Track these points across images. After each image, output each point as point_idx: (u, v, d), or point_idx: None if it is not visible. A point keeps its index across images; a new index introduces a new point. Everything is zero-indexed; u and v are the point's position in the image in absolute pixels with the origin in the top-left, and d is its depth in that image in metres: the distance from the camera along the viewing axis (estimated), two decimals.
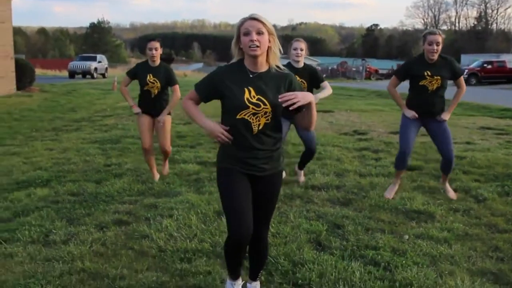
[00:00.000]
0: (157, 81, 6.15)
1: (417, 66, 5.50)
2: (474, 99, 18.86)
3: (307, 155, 6.40)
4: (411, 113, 5.59)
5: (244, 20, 2.91)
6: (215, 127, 2.97)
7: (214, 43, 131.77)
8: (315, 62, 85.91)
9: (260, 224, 3.14)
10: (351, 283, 3.63)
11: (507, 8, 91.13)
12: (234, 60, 3.04)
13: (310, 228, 4.74)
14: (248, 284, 3.46)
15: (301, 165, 6.56)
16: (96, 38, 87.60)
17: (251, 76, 2.96)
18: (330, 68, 65.43)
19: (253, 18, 2.89)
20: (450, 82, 5.58)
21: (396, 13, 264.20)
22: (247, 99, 2.92)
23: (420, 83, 5.47)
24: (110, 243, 4.43)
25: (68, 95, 20.92)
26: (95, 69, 38.92)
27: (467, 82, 39.56)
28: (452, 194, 5.86)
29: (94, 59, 40.27)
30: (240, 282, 3.40)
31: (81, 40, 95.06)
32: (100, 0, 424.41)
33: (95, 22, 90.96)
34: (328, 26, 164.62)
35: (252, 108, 2.92)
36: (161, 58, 6.25)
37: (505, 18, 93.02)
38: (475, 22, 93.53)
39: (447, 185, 5.98)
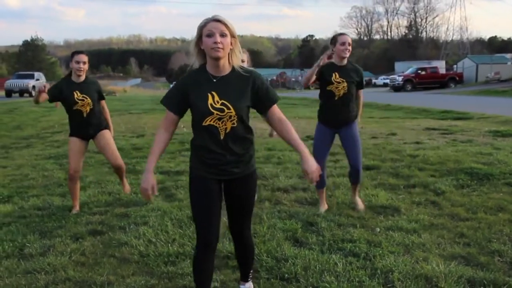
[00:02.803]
0: (87, 97, 5.51)
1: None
2: (414, 103, 19.68)
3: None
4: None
5: (207, 22, 2.84)
6: (144, 184, 2.96)
7: (151, 58, 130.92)
8: None
9: (239, 224, 3.19)
10: (335, 273, 3.79)
11: (435, 17, 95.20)
12: (196, 65, 2.99)
13: (285, 226, 4.88)
14: (241, 286, 3.49)
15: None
16: (30, 56, 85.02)
17: (214, 80, 2.91)
18: (269, 79, 66.27)
19: (216, 20, 2.83)
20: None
21: (330, 23, 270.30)
22: (211, 104, 2.87)
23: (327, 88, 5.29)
24: (89, 253, 4.41)
25: (11, 113, 20.35)
26: (33, 87, 37.85)
27: (403, 88, 41.27)
28: (361, 206, 5.53)
29: (31, 76, 39.24)
30: None
31: (14, 58, 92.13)
32: (32, 17, 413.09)
33: (28, 39, 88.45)
34: (265, 38, 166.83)
35: (217, 114, 2.88)
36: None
37: (433, 26, 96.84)
38: (406, 31, 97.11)
39: (357, 197, 5.66)
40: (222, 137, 2.93)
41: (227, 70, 2.94)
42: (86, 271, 4.00)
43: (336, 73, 5.22)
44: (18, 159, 9.29)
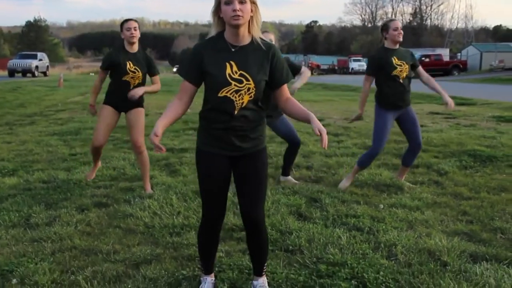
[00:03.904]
0: (139, 70, 5.29)
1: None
2: (418, 89, 19.57)
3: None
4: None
5: None
6: (154, 131, 2.72)
7: (154, 42, 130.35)
8: None
9: (252, 204, 2.91)
10: (339, 246, 3.82)
11: (440, 5, 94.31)
12: (212, 34, 2.82)
13: (289, 202, 4.92)
14: (254, 282, 3.17)
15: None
16: (33, 36, 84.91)
17: (232, 49, 2.75)
18: None
19: None
20: None
21: (334, 10, 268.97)
22: (229, 74, 2.72)
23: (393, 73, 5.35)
24: (95, 223, 4.45)
25: (14, 92, 20.36)
26: (36, 67, 37.89)
27: None
28: (407, 185, 5.59)
29: (35, 57, 39.21)
30: (212, 279, 3.21)
31: (16, 39, 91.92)
32: None
33: (31, 20, 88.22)
34: (268, 23, 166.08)
35: (235, 85, 2.72)
36: None
37: (438, 14, 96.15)
38: (411, 18, 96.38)
39: (403, 179, 5.74)
40: (236, 111, 2.77)
41: (246, 40, 2.77)
42: (92, 240, 4.05)
43: (395, 57, 5.34)
44: (22, 135, 9.32)
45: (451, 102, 5.39)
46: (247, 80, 2.74)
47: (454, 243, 3.86)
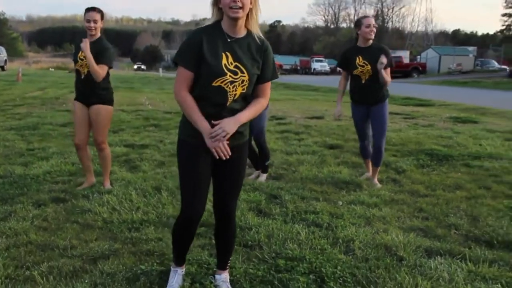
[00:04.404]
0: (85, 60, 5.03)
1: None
2: None
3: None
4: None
5: None
6: (209, 142, 2.67)
7: (117, 38, 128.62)
8: None
9: (227, 197, 2.95)
10: (298, 241, 3.86)
11: (401, 8, 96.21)
12: (209, 22, 2.77)
13: (249, 198, 4.93)
14: (217, 276, 3.18)
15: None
16: None
17: (229, 40, 2.71)
18: None
19: None
20: None
21: (298, 10, 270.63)
22: (225, 65, 2.68)
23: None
24: (52, 218, 4.38)
25: None
26: None
27: None
28: (378, 187, 5.60)
29: None
30: (182, 271, 3.18)
31: None
32: None
33: None
34: None
35: (230, 76, 2.69)
36: None
37: (399, 17, 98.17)
38: None
39: (376, 179, 5.74)
40: (228, 102, 2.73)
41: (243, 32, 2.75)
42: (48, 235, 3.97)
43: (360, 57, 5.34)
44: None
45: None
46: (242, 72, 2.72)
47: (410, 238, 3.95)
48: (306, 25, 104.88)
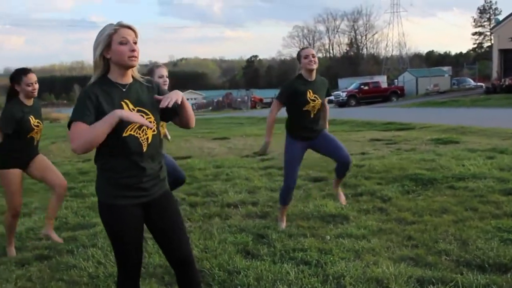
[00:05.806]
0: (41, 123, 4.85)
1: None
2: (358, 117, 20.10)
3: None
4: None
5: (117, 28, 2.64)
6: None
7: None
8: (200, 95, 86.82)
9: (181, 247, 2.86)
10: (288, 282, 3.79)
11: (374, 34, 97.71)
12: (92, 80, 2.71)
13: (236, 240, 4.86)
14: None
15: None
16: None
17: (123, 89, 2.70)
18: (215, 100, 66.55)
19: (127, 27, 2.66)
20: None
21: (273, 43, 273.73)
22: None
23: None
24: (36, 277, 4.26)
25: None
26: None
27: (347, 103, 42.15)
28: (343, 198, 5.76)
29: None
30: None
31: None
32: None
33: None
34: (209, 61, 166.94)
35: None
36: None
37: (373, 43, 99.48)
38: (347, 48, 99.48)
39: (339, 189, 5.80)
40: (145, 149, 2.70)
41: (130, 78, 2.76)
42: None
43: (310, 91, 5.06)
44: None
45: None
46: (147, 114, 2.71)
47: (401, 269, 3.89)
48: (282, 57, 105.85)
